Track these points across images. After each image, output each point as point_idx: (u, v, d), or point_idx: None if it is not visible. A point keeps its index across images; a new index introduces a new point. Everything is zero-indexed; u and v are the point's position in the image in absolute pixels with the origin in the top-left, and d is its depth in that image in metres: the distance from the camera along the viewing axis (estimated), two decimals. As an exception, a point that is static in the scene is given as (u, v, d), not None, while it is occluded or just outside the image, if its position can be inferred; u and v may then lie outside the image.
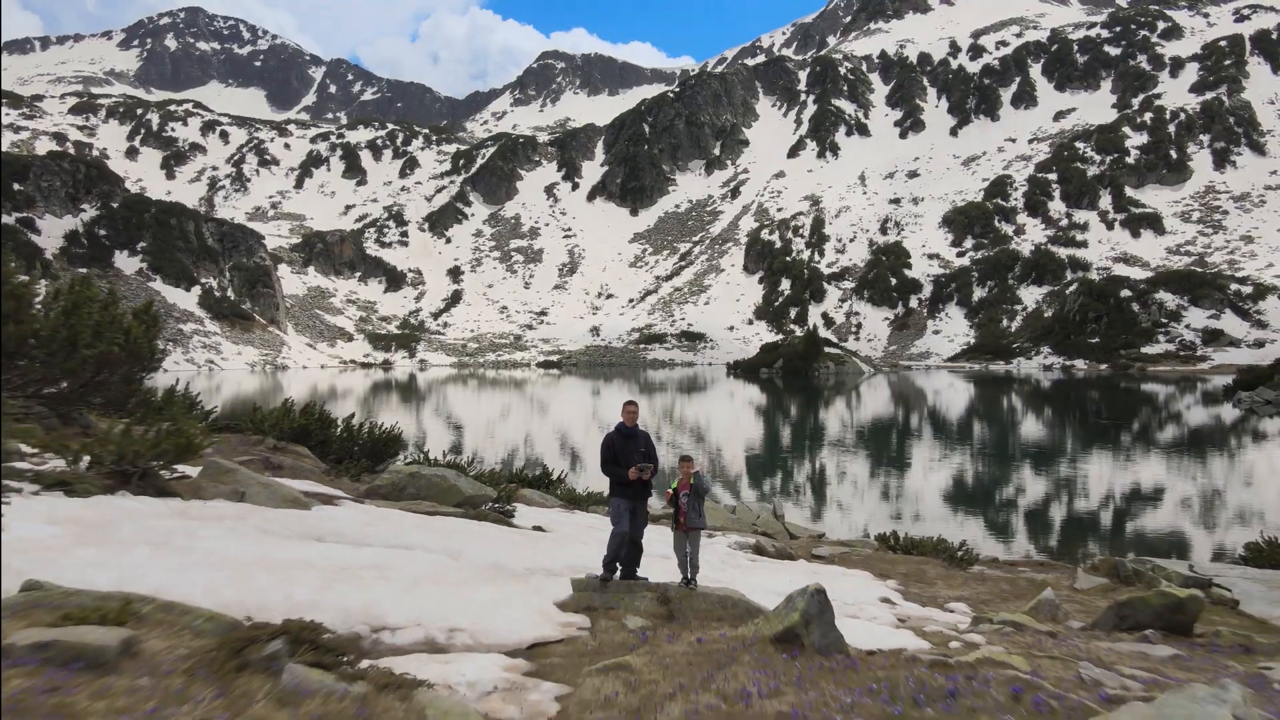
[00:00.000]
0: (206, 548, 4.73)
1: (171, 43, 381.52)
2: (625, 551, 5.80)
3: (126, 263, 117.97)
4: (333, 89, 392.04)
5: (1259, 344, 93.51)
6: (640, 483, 5.74)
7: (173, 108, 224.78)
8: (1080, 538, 16.01)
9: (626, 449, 5.73)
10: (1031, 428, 40.06)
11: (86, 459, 5.70)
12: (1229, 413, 44.19)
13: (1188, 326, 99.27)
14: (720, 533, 11.04)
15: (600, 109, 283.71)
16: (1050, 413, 48.97)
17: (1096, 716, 2.58)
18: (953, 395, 63.60)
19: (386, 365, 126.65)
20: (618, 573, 5.86)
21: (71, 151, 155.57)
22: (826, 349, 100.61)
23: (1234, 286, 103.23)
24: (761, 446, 35.36)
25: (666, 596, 5.53)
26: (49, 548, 4.05)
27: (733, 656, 3.60)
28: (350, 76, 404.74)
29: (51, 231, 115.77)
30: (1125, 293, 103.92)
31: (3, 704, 2.12)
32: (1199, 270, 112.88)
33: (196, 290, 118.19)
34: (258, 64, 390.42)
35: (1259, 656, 4.62)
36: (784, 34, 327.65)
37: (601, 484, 16.33)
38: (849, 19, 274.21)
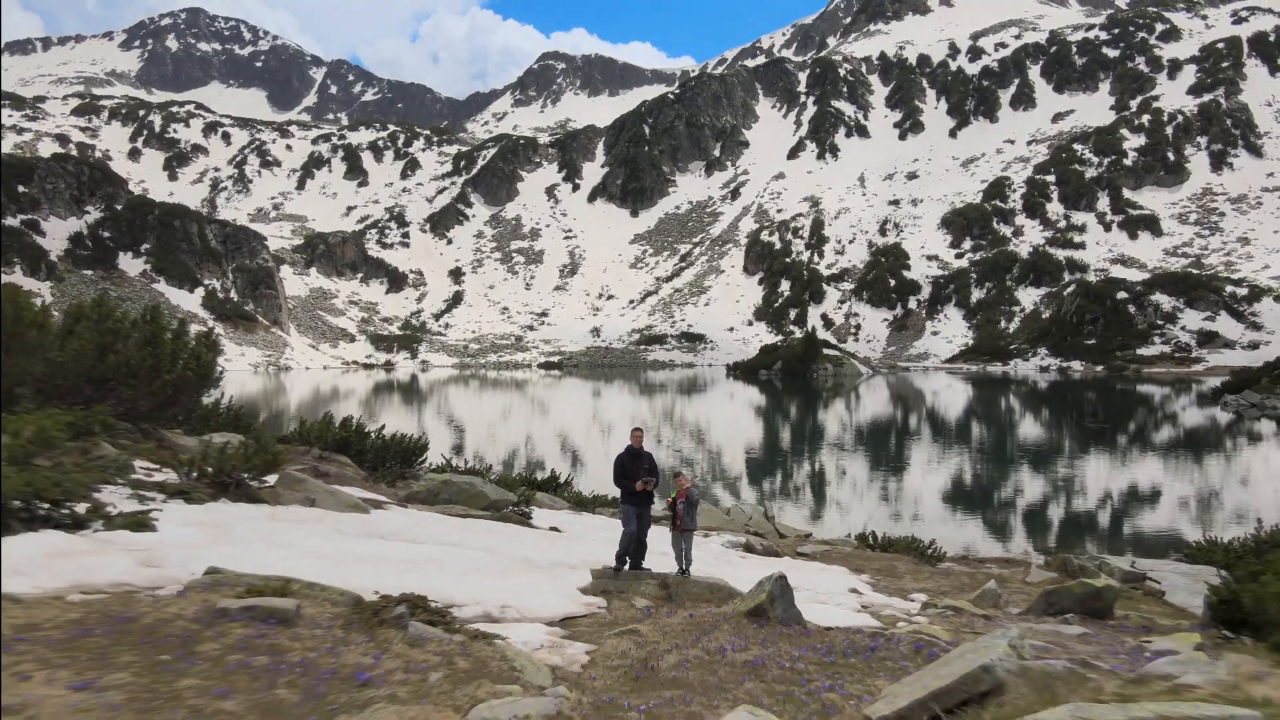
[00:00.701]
0: (303, 544, 5.76)
1: (173, 43, 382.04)
2: (633, 548, 6.97)
3: (130, 264, 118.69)
4: (334, 90, 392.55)
5: (1253, 345, 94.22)
6: (645, 493, 6.89)
7: (175, 109, 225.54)
8: (1048, 536, 17.06)
9: (634, 466, 6.91)
10: (1020, 431, 41.06)
11: (194, 473, 6.72)
12: (1214, 416, 45.14)
13: (1183, 328, 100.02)
14: (715, 533, 12.05)
15: (600, 110, 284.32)
16: (1041, 416, 49.98)
17: (949, 652, 3.58)
18: (947, 398, 64.59)
19: (389, 366, 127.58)
20: (627, 564, 7.01)
21: (75, 153, 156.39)
22: (825, 350, 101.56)
23: (1229, 289, 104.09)
24: (757, 449, 36.36)
25: (666, 583, 6.69)
26: (196, 544, 5.05)
27: (715, 625, 4.67)
28: (351, 77, 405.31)
29: (56, 234, 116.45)
30: (1121, 294, 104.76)
31: (210, 650, 3.16)
32: (1195, 272, 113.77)
33: (200, 292, 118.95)
34: (259, 65, 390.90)
35: (1153, 635, 5.63)
36: (784, 35, 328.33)
37: (604, 488, 17.39)
38: (849, 20, 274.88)
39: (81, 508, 4.62)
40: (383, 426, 13.13)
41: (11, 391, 6.44)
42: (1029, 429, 41.67)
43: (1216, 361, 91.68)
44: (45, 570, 4.06)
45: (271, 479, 7.30)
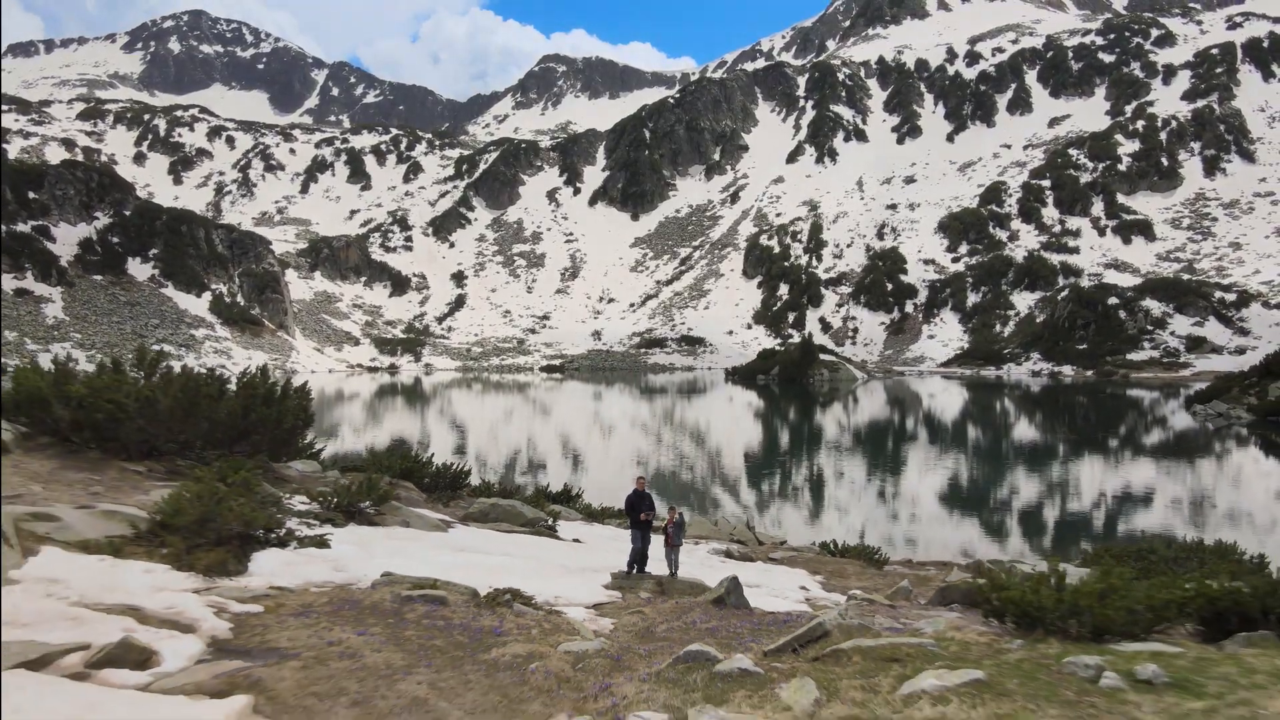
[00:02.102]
0: (419, 555, 8.10)
1: (175, 46, 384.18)
2: (639, 559, 9.78)
3: (139, 269, 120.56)
4: (335, 91, 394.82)
5: (1240, 351, 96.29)
6: (646, 522, 9.73)
7: (179, 113, 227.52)
8: (988, 541, 19.46)
9: (639, 503, 9.74)
10: (999, 441, 43.36)
11: (331, 505, 9.06)
12: (1183, 425, 47.32)
13: (1172, 334, 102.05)
14: (704, 540, 14.42)
15: (601, 112, 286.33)
16: (1023, 424, 52.29)
17: (815, 617, 5.92)
18: (936, 405, 66.71)
19: (393, 369, 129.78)
20: (635, 569, 9.80)
21: (80, 158, 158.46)
22: (821, 356, 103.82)
23: (1218, 294, 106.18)
24: (749, 455, 38.72)
25: (661, 582, 9.45)
26: (357, 556, 7.36)
27: (691, 609, 7.11)
28: (353, 79, 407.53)
29: (66, 239, 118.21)
30: (1113, 300, 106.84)
31: (411, 618, 5.55)
32: (1185, 278, 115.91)
33: (207, 296, 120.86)
34: (260, 67, 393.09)
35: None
36: (784, 38, 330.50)
37: (609, 499, 19.87)
38: (848, 24, 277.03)
39: (281, 532, 6.92)
40: (431, 455, 15.64)
41: (188, 442, 8.82)
42: (1008, 439, 43.97)
43: (1204, 366, 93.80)
44: (287, 574, 6.38)
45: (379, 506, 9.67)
